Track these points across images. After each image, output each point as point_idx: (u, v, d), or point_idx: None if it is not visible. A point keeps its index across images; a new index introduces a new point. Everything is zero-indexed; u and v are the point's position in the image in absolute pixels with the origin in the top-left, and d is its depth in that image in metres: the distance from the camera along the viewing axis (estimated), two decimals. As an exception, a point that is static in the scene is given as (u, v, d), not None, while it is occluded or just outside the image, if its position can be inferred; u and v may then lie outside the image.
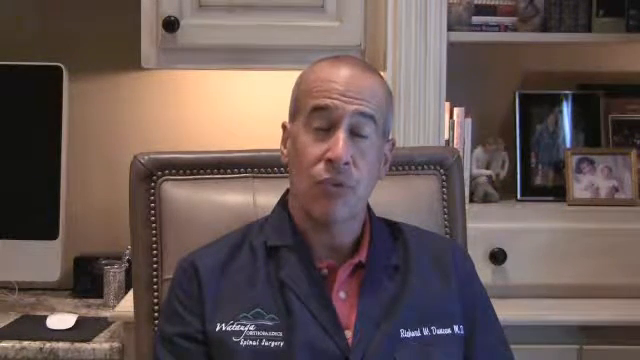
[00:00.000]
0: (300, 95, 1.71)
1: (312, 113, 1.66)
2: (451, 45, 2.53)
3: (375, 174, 1.70)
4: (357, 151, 1.65)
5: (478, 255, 2.33)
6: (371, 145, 1.67)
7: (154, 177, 1.92)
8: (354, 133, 1.66)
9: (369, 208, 1.76)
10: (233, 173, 1.96)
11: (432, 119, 2.50)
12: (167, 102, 2.86)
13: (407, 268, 1.72)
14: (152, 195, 1.91)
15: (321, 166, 1.64)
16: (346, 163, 1.63)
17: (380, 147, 1.71)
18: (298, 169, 1.67)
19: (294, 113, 1.72)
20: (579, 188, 2.66)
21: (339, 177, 1.63)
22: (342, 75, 1.67)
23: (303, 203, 1.68)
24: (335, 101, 1.65)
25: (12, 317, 2.55)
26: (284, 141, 1.75)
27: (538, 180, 2.77)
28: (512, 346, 1.79)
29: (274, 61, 2.55)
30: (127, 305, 2.25)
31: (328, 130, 1.65)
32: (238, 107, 2.85)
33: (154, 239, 1.90)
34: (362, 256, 1.71)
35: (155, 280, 1.89)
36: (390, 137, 1.76)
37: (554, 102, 2.80)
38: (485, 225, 2.50)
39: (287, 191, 1.78)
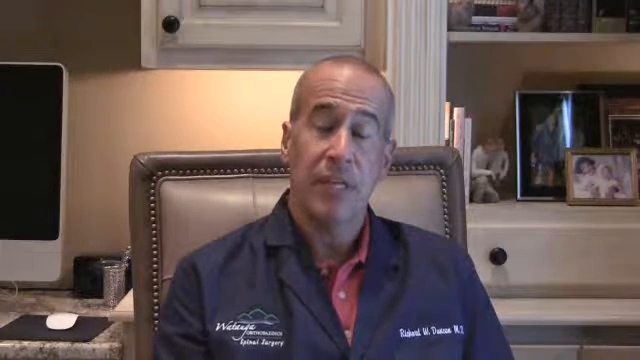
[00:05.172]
0: (302, 94, 1.71)
1: (314, 111, 1.66)
2: (451, 45, 2.53)
3: (376, 174, 1.70)
4: (359, 150, 1.65)
5: (478, 255, 2.33)
6: (372, 145, 1.67)
7: (154, 177, 1.92)
8: (356, 132, 1.66)
9: (369, 208, 1.76)
10: (233, 173, 1.96)
11: (432, 119, 2.50)
12: (167, 102, 2.86)
13: (407, 268, 1.72)
14: (152, 195, 1.91)
15: (322, 164, 1.64)
16: (348, 161, 1.63)
17: (381, 148, 1.71)
18: (299, 167, 1.67)
19: (295, 112, 1.72)
20: (579, 188, 2.66)
21: (341, 175, 1.63)
22: (345, 74, 1.67)
23: (304, 202, 1.68)
24: (337, 99, 1.65)
25: (12, 317, 2.55)
26: (285, 141, 1.75)
27: (538, 180, 2.77)
28: (512, 346, 1.79)
29: (274, 61, 2.55)
30: (127, 305, 2.25)
31: (330, 129, 1.65)
32: (238, 107, 2.85)
33: (154, 239, 1.90)
34: (362, 256, 1.70)
35: (155, 280, 1.89)
36: (391, 139, 1.76)
37: (554, 102, 2.80)
38: (485, 225, 2.50)
39: (287, 191, 1.78)
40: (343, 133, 1.64)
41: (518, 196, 2.74)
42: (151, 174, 1.92)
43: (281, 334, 1.62)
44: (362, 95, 1.66)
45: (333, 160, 1.63)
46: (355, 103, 1.65)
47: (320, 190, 1.64)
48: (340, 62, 1.71)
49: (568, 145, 2.77)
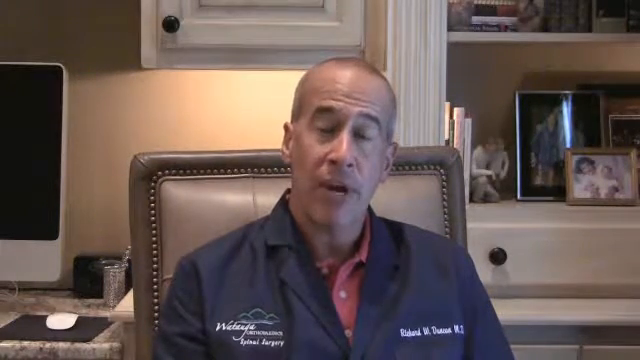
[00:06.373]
0: (304, 94, 1.70)
1: (316, 114, 1.66)
2: (451, 45, 2.53)
3: (377, 177, 1.70)
4: (360, 153, 1.65)
5: (478, 255, 2.33)
6: (374, 148, 1.67)
7: (154, 177, 1.92)
8: (358, 135, 1.65)
9: (370, 208, 1.76)
10: (233, 173, 1.96)
11: (432, 119, 2.51)
12: (167, 102, 2.86)
13: (407, 268, 1.72)
14: (152, 195, 1.91)
15: (324, 167, 1.64)
16: (349, 165, 1.63)
17: (383, 150, 1.71)
18: (301, 170, 1.67)
19: (297, 112, 1.71)
20: (579, 188, 2.66)
21: (342, 179, 1.63)
22: (347, 76, 1.67)
23: (305, 205, 1.68)
24: (339, 103, 1.65)
25: (12, 317, 2.55)
26: (286, 142, 1.74)
27: (538, 180, 2.77)
28: (512, 346, 1.79)
29: (274, 61, 2.55)
30: (127, 305, 2.25)
31: (332, 131, 1.65)
32: (238, 107, 2.85)
33: (154, 239, 1.90)
34: (362, 256, 1.70)
35: (155, 280, 1.89)
36: (393, 141, 1.76)
37: (554, 102, 2.80)
38: (485, 225, 2.50)
39: (287, 191, 1.78)
40: (345, 137, 1.63)
41: (518, 196, 2.74)
42: (151, 174, 1.92)
43: (281, 334, 1.62)
44: (365, 98, 1.66)
45: (335, 164, 1.63)
46: (357, 106, 1.65)
47: (321, 195, 1.64)
48: (343, 63, 1.71)
49: (568, 145, 2.77)
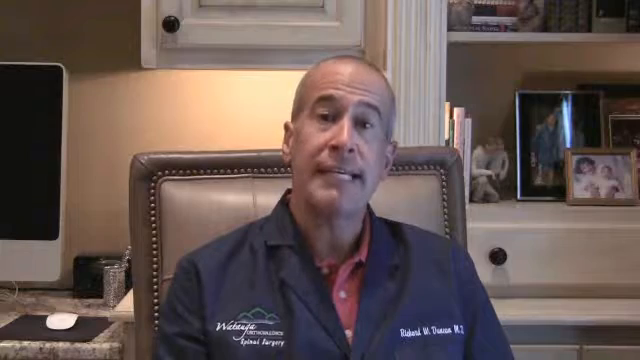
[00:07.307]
0: (305, 91, 1.71)
1: (317, 103, 1.67)
2: (451, 45, 2.53)
3: (378, 169, 1.70)
4: (362, 140, 1.66)
5: (478, 255, 2.33)
6: (375, 136, 1.68)
7: (154, 177, 1.92)
8: (358, 124, 1.66)
9: (369, 208, 1.76)
10: (233, 173, 1.96)
11: (432, 119, 2.51)
12: (167, 102, 2.86)
13: (407, 268, 1.72)
14: (152, 195, 1.91)
15: (325, 154, 1.64)
16: (350, 150, 1.63)
17: (383, 142, 1.71)
18: (302, 159, 1.67)
19: (298, 109, 1.72)
20: (579, 188, 2.66)
21: (343, 165, 1.63)
22: (348, 70, 1.68)
23: (305, 193, 1.67)
24: (339, 91, 1.66)
25: (12, 317, 2.55)
26: (286, 140, 1.75)
27: (538, 180, 2.77)
28: (512, 346, 1.80)
29: (274, 61, 2.55)
30: (127, 305, 2.25)
31: (333, 120, 1.66)
32: (238, 107, 2.85)
33: (154, 239, 1.90)
34: (362, 255, 1.71)
35: (155, 280, 1.89)
36: (392, 140, 1.76)
37: (554, 102, 2.80)
38: (485, 225, 2.50)
39: (288, 191, 1.78)
40: (345, 123, 1.64)
41: (518, 196, 2.74)
42: (151, 174, 1.92)
43: (282, 334, 1.62)
44: (364, 88, 1.67)
45: (336, 150, 1.63)
46: (357, 95, 1.66)
47: (322, 179, 1.64)
48: (344, 59, 1.73)
49: (568, 145, 2.77)
